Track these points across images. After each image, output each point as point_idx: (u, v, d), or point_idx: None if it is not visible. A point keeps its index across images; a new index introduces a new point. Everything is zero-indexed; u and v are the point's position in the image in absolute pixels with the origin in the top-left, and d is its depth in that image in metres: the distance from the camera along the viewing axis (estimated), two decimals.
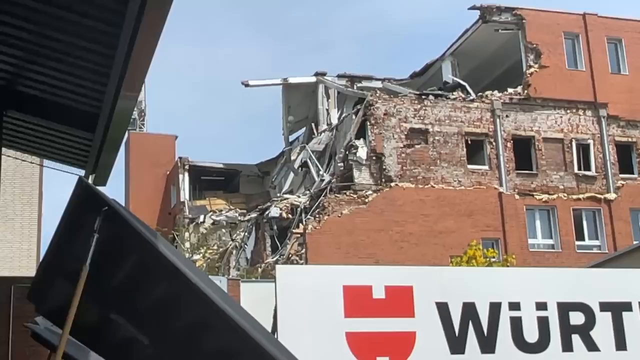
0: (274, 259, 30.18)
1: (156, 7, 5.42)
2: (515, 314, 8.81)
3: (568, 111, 31.66)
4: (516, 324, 8.79)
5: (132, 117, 33.26)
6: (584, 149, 31.53)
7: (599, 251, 29.88)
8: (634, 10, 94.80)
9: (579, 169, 31.16)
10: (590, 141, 31.61)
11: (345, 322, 8.42)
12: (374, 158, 29.46)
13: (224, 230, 37.65)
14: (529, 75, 31.61)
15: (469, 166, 30.09)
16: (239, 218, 37.65)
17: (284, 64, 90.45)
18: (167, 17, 5.57)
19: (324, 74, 37.17)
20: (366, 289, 8.60)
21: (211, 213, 39.05)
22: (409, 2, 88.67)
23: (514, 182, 30.33)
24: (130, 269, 4.92)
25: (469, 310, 8.71)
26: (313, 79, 37.21)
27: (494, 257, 23.74)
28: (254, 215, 34.70)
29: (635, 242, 27.76)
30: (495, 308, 8.79)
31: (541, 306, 8.92)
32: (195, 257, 34.48)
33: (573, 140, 31.36)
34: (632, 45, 33.02)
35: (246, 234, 34.69)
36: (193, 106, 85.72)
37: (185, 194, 41.19)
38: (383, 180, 29.18)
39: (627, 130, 32.26)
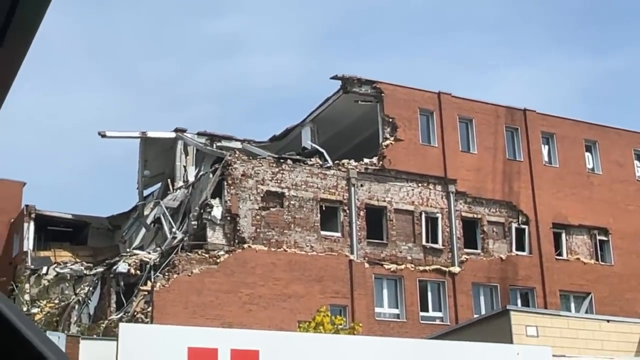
0: (118, 316, 29.22)
1: (15, 45, 5.21)
2: None
3: (419, 184, 32.70)
4: None
5: None
6: (432, 222, 32.55)
7: (442, 322, 30.69)
8: (485, 93, 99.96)
9: (427, 241, 32.08)
10: (439, 215, 32.68)
11: None
12: (228, 218, 29.31)
13: (67, 283, 36.21)
14: (384, 147, 32.51)
15: (322, 232, 30.41)
16: (85, 271, 36.36)
17: (143, 118, 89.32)
18: (24, 58, 5.36)
19: (183, 131, 36.93)
20: (212, 351, 8.44)
21: (55, 265, 37.53)
22: (271, 66, 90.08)
23: (365, 250, 30.86)
24: None
25: None
26: (172, 135, 36.88)
27: (341, 325, 23.91)
28: (100, 269, 33.62)
29: (475, 316, 28.70)
30: None
31: None
32: (34, 310, 32.90)
33: (423, 212, 32.34)
34: (481, 125, 34.67)
35: (91, 288, 33.49)
36: (43, 154, 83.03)
37: (29, 243, 39.45)
38: (236, 241, 29.02)
39: (473, 206, 33.61)
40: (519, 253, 33.81)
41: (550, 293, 33.48)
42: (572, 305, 34.18)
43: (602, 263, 35.52)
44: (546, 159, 36.05)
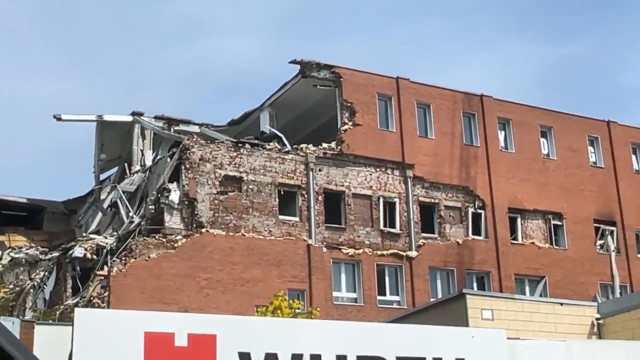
0: (74, 301, 28.97)
1: None
2: None
3: (377, 169, 32.85)
4: None
5: None
6: (390, 206, 32.75)
7: (399, 306, 30.97)
8: (443, 79, 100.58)
9: (385, 225, 32.28)
10: (397, 199, 32.89)
11: None
12: (186, 203, 29.17)
13: (22, 268, 35.75)
14: (343, 132, 32.58)
15: (280, 217, 30.43)
16: (40, 256, 35.93)
17: (100, 101, 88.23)
18: None
19: (140, 114, 36.58)
20: (168, 336, 8.40)
21: (10, 250, 37.03)
22: (231, 50, 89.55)
23: (323, 234, 30.95)
24: None
25: None
26: (129, 118, 36.52)
27: (299, 309, 23.98)
28: (56, 254, 33.24)
29: (432, 299, 29.01)
30: (296, 359, 8.84)
31: (341, 359, 9.06)
32: None
33: (380, 197, 32.52)
34: (439, 111, 34.91)
35: (46, 273, 33.12)
36: None
37: None
38: (194, 225, 28.90)
39: (431, 191, 33.87)
40: (475, 237, 34.20)
41: (505, 277, 33.94)
42: (527, 289, 34.70)
43: (557, 247, 36.09)
44: (502, 144, 36.45)
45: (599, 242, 37.07)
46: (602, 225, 37.47)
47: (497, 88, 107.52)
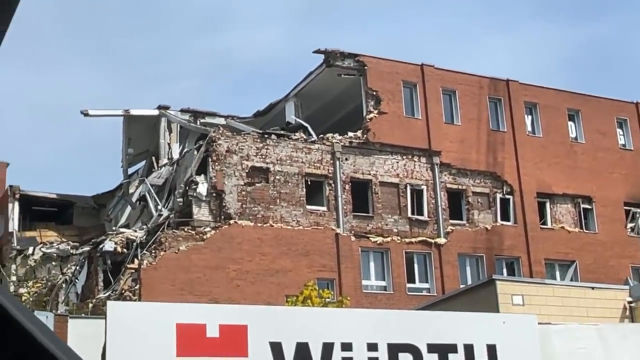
0: (106, 294, 29.24)
1: None
2: (347, 354, 8.94)
3: (404, 157, 32.77)
4: None
5: None
6: (417, 194, 32.67)
7: (428, 294, 30.90)
8: (468, 64, 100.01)
9: (412, 213, 32.21)
10: (424, 187, 32.80)
11: None
12: (214, 195, 29.30)
13: (54, 263, 36.14)
14: (368, 121, 32.52)
15: (308, 206, 30.47)
16: (71, 251, 36.30)
17: (126, 95, 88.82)
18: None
19: (167, 108, 36.77)
20: (200, 327, 8.48)
21: (41, 245, 37.44)
22: (256, 40, 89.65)
23: (351, 223, 30.96)
24: None
25: (302, 351, 8.75)
26: (155, 112, 36.71)
27: (329, 298, 24.03)
28: (87, 248, 33.56)
29: (462, 286, 28.93)
30: (328, 348, 8.87)
31: (372, 347, 9.09)
32: (22, 290, 32.85)
33: (408, 185, 32.45)
34: (464, 97, 34.73)
35: (78, 267, 33.46)
36: (26, 133, 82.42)
37: (14, 224, 39.31)
38: (222, 217, 29.03)
39: (458, 178, 33.74)
40: (504, 223, 34.03)
41: (535, 262, 33.75)
42: (557, 274, 34.49)
43: (586, 231, 35.81)
44: (529, 129, 36.19)
45: (630, 225, 36.73)
46: (632, 208, 37.12)
47: (523, 72, 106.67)
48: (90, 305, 29.17)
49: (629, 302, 19.57)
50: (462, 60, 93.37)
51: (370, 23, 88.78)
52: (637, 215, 36.67)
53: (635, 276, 34.59)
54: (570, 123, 37.11)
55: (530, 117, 36.38)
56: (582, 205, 36.03)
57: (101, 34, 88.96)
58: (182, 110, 36.95)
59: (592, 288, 20.20)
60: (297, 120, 33.57)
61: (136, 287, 27.56)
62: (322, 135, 32.01)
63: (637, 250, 33.93)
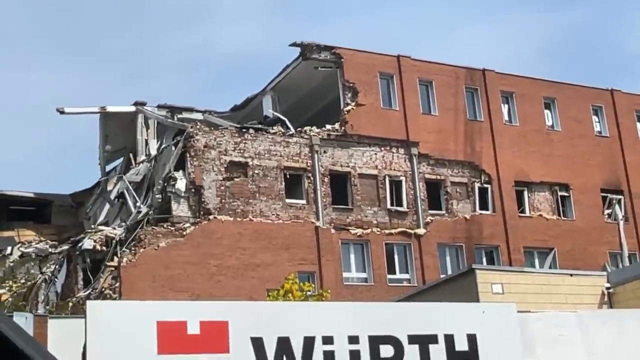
0: (86, 293, 29.13)
1: None
2: (328, 347, 8.95)
3: (382, 148, 32.83)
4: (329, 357, 8.93)
5: None
6: (396, 185, 32.75)
7: (409, 284, 31.03)
8: (445, 54, 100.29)
9: (392, 204, 32.29)
10: (403, 178, 32.89)
11: (159, 359, 8.23)
12: (192, 190, 29.23)
13: (32, 263, 35.93)
14: (346, 113, 32.55)
15: (287, 200, 30.47)
16: (50, 250, 36.09)
17: (102, 92, 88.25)
18: None
19: (143, 104, 36.54)
20: (180, 324, 8.47)
21: (20, 245, 37.19)
22: (232, 34, 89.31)
23: (330, 216, 31.00)
24: None
25: (284, 345, 8.76)
26: (132, 109, 36.47)
27: (310, 291, 24.06)
28: (66, 247, 33.38)
29: (442, 276, 29.06)
30: (309, 342, 8.89)
31: (353, 340, 9.11)
32: (1, 291, 32.63)
33: (386, 176, 32.52)
34: (441, 87, 34.83)
35: (57, 266, 33.29)
36: (1, 132, 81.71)
37: None
38: (201, 212, 28.97)
39: (436, 168, 33.85)
40: (483, 212, 34.21)
41: (514, 250, 33.97)
42: (537, 261, 34.72)
43: (564, 218, 36.08)
44: (506, 117, 36.39)
45: (607, 212, 37.05)
46: (609, 195, 37.43)
47: (500, 61, 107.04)
48: (71, 304, 29.05)
49: (607, 288, 19.75)
50: (440, 50, 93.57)
51: (349, 15, 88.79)
52: (614, 201, 36.99)
53: (612, 262, 34.91)
54: (546, 111, 37.33)
55: (506, 106, 36.56)
56: (560, 193, 36.29)
57: (77, 31, 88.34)
58: (159, 106, 36.74)
59: (571, 275, 20.36)
60: (275, 114, 33.53)
61: (116, 285, 27.47)
62: (300, 129, 32.00)
63: (614, 236, 34.22)
